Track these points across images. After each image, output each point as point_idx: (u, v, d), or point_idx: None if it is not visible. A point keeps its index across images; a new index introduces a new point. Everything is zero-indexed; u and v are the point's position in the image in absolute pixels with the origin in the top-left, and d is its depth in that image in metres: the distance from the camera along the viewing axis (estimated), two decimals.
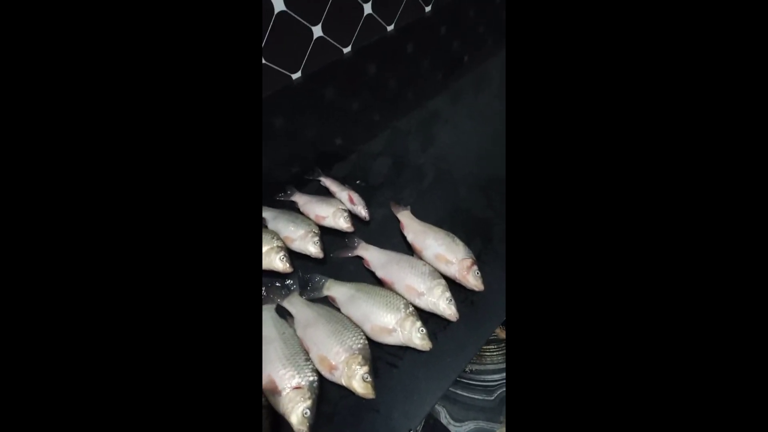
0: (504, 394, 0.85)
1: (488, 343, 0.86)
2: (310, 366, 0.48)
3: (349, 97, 0.96)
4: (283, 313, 0.55)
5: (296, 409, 0.44)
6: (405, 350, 0.52)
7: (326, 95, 0.97)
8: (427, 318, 0.54)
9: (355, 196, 0.68)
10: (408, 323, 0.51)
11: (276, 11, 0.86)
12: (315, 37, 0.97)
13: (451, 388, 0.83)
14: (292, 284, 0.57)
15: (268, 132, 0.86)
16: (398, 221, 0.66)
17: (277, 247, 0.59)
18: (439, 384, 0.50)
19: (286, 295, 0.56)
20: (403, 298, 0.55)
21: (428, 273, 0.57)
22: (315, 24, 0.95)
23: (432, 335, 0.52)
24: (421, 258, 0.61)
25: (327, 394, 0.49)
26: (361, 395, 0.47)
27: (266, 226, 0.64)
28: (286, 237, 0.61)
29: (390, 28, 1.17)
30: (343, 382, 0.47)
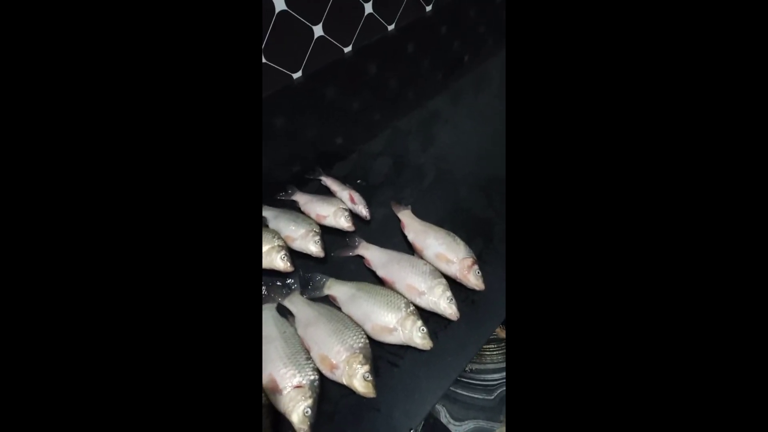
0: (504, 393, 0.85)
1: (488, 342, 0.86)
2: (311, 365, 0.48)
3: (350, 96, 0.96)
4: (284, 312, 0.55)
5: (297, 408, 0.44)
6: (406, 349, 0.53)
7: (327, 95, 0.97)
8: (428, 317, 0.55)
9: (356, 196, 0.69)
10: (409, 322, 0.51)
11: (277, 11, 0.86)
12: (316, 36, 0.97)
13: (451, 387, 0.83)
14: (293, 283, 0.57)
15: (269, 131, 0.86)
16: (399, 221, 0.66)
17: (278, 246, 0.59)
18: (439, 383, 0.50)
19: (287, 294, 0.56)
20: (404, 297, 0.55)
21: (429, 272, 0.57)
22: (316, 23, 0.96)
23: (433, 334, 0.53)
24: (421, 257, 0.61)
25: (328, 393, 0.49)
26: (361, 394, 0.47)
27: (267, 226, 0.64)
28: (287, 236, 0.61)
29: (391, 27, 1.17)
30: (344, 381, 0.47)
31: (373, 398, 0.47)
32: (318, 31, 0.97)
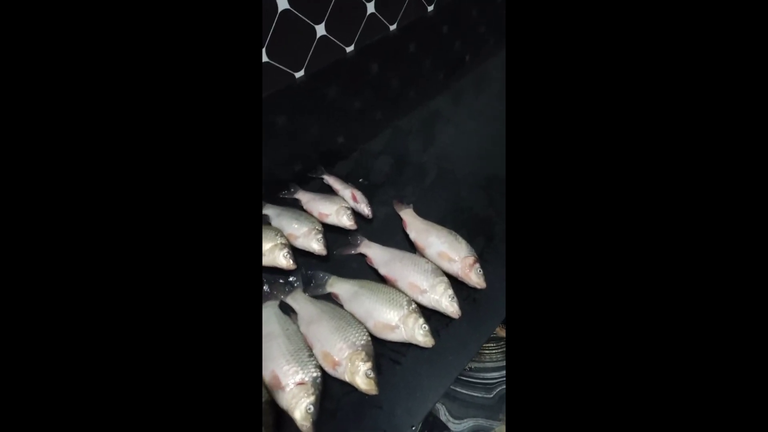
0: (503, 391, 0.85)
1: (488, 341, 0.86)
2: (314, 362, 0.48)
3: (352, 95, 0.97)
4: (287, 310, 0.55)
5: (300, 404, 0.44)
6: (408, 347, 0.53)
7: (329, 94, 0.97)
8: (430, 315, 0.55)
9: (358, 194, 0.69)
10: (411, 320, 0.52)
11: (280, 9, 0.86)
12: (318, 35, 0.98)
13: (450, 386, 0.84)
14: (296, 281, 0.57)
15: (272, 130, 0.86)
16: (401, 219, 0.67)
17: (281, 244, 0.59)
18: (441, 381, 0.51)
19: (290, 292, 0.56)
20: (406, 295, 0.55)
21: (431, 270, 0.57)
22: (318, 23, 0.96)
23: (434, 332, 0.53)
24: (423, 256, 0.61)
25: (330, 390, 0.49)
26: (364, 391, 0.47)
27: (270, 224, 0.64)
28: (290, 234, 0.62)
29: (392, 27, 1.18)
30: (347, 378, 0.48)
31: (375, 395, 0.47)
32: (320, 30, 0.97)
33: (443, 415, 0.84)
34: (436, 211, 0.69)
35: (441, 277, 0.56)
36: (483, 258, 0.62)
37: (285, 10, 0.87)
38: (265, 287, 0.56)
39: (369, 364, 0.48)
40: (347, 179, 0.73)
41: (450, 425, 0.83)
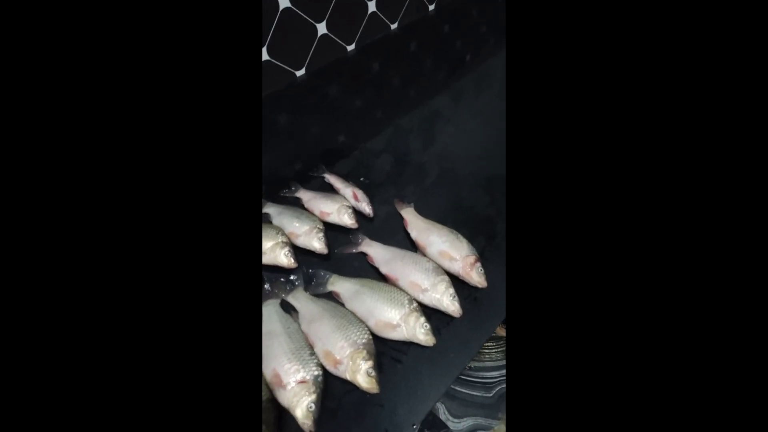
0: (502, 390, 0.85)
1: (487, 340, 0.87)
2: (315, 360, 0.48)
3: (353, 94, 0.97)
4: (288, 308, 0.55)
5: (301, 403, 0.44)
6: (409, 345, 0.53)
7: (330, 93, 0.97)
8: (431, 314, 0.55)
9: (359, 193, 0.69)
10: (412, 319, 0.52)
11: (281, 7, 0.86)
12: (319, 34, 0.97)
13: (450, 385, 0.84)
14: (297, 279, 0.57)
15: (273, 129, 0.86)
16: (402, 218, 0.67)
17: (282, 242, 0.59)
18: (442, 380, 0.51)
19: (291, 291, 0.56)
20: (407, 294, 0.55)
21: (432, 269, 0.57)
22: (319, 21, 0.96)
23: (436, 331, 0.53)
24: (424, 254, 0.61)
25: (331, 389, 0.49)
26: (365, 390, 0.47)
27: (271, 222, 0.64)
28: (291, 233, 0.62)
29: (394, 26, 1.18)
30: (348, 376, 0.48)
31: (376, 394, 0.47)
32: (321, 29, 0.97)
33: (443, 413, 0.85)
34: (437, 210, 0.69)
35: (442, 276, 0.56)
36: (484, 257, 0.62)
37: (286, 9, 0.87)
38: (267, 286, 0.56)
39: (370, 363, 0.48)
40: (348, 178, 0.73)
41: (450, 424, 0.84)
